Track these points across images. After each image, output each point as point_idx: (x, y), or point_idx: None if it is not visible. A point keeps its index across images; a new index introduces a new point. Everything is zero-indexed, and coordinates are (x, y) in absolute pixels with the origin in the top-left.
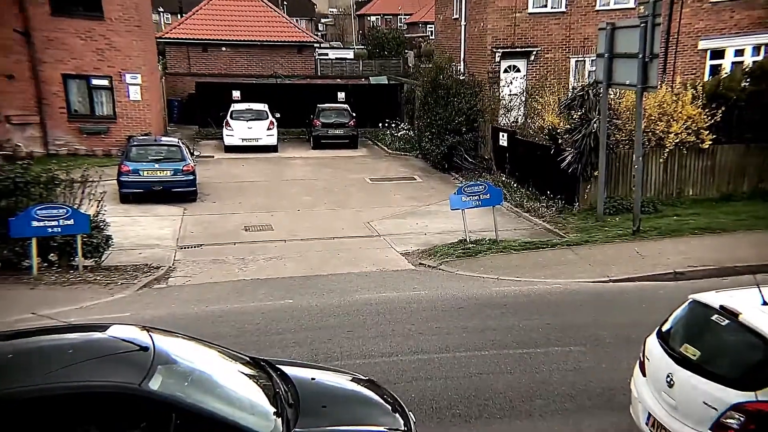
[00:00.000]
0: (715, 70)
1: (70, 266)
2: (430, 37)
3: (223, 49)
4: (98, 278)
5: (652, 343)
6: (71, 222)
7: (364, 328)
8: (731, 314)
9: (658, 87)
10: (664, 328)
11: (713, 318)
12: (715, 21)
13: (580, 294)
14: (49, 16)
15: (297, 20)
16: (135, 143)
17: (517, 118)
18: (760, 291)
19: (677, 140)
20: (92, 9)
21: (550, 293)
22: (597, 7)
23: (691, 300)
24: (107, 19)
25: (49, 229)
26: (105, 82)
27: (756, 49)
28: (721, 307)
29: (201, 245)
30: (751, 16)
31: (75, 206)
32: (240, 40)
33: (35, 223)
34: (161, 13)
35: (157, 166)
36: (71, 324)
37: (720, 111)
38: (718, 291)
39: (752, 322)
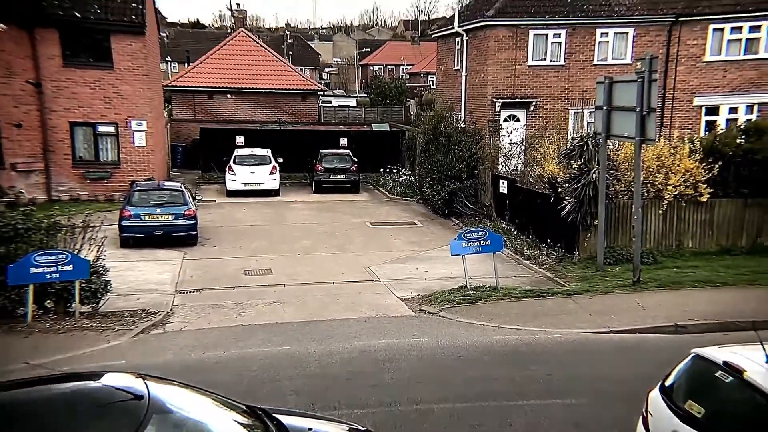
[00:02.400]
0: (711, 125)
1: (67, 313)
2: (432, 87)
3: (229, 96)
4: (95, 325)
5: (655, 398)
6: (70, 268)
7: (363, 376)
8: (735, 371)
9: (656, 140)
10: (667, 382)
11: (717, 374)
12: (708, 79)
13: (580, 345)
14: (61, 67)
15: (302, 69)
16: (138, 188)
17: (517, 166)
18: (764, 348)
19: (676, 192)
20: (102, 59)
21: (551, 343)
22: (595, 62)
23: (694, 354)
24: (116, 68)
25: (48, 276)
26: (111, 129)
27: (749, 107)
28: (725, 363)
29: (200, 290)
30: (743, 76)
31: (75, 252)
32: (245, 88)
33: (34, 270)
34: (169, 63)
35: (159, 210)
36: (65, 373)
37: (717, 166)
38: (721, 346)
39: (757, 380)
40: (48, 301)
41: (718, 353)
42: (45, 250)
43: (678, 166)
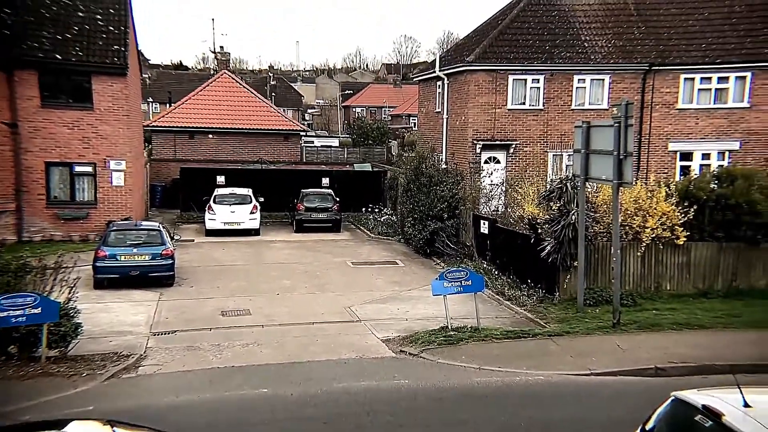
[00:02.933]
0: (685, 170)
1: (32, 358)
2: (413, 128)
3: (210, 136)
4: (62, 369)
5: None
6: (39, 311)
7: (342, 419)
8: (714, 415)
9: (633, 183)
10: (648, 426)
11: (696, 418)
12: (682, 126)
13: (561, 387)
14: (38, 107)
15: (284, 110)
16: (114, 228)
17: (498, 207)
18: (741, 392)
19: (653, 235)
20: (82, 100)
21: (532, 385)
22: (573, 106)
23: (673, 398)
24: (96, 109)
25: (13, 320)
26: (89, 169)
27: (721, 153)
28: (704, 407)
29: (175, 331)
30: (713, 124)
31: (45, 294)
32: (227, 128)
33: None
34: (150, 103)
35: (135, 250)
36: (27, 422)
37: (692, 209)
38: (700, 389)
39: (735, 424)
40: (12, 347)
41: (697, 396)
42: (11, 294)
43: (655, 209)
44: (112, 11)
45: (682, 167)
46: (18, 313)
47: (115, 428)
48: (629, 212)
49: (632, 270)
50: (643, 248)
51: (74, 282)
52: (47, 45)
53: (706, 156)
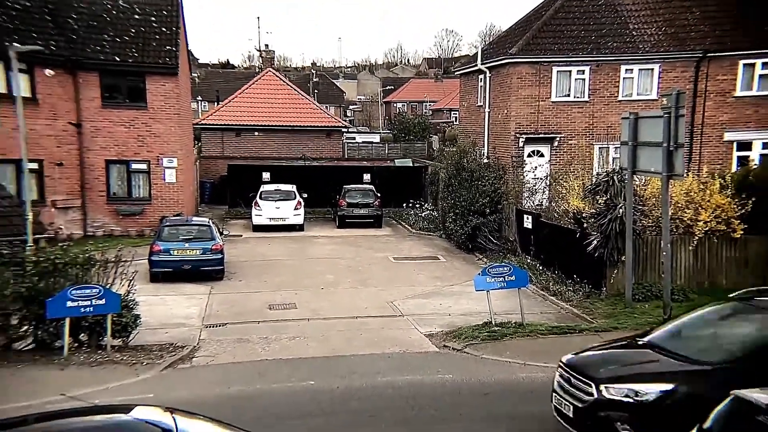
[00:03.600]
0: (743, 160)
1: (99, 346)
2: (455, 123)
3: (256, 133)
4: (125, 358)
5: None
6: (103, 302)
7: (387, 413)
8: None
9: (684, 175)
10: (705, 425)
11: (759, 418)
12: (739, 114)
13: None
14: (99, 108)
15: (327, 106)
16: (167, 224)
17: (542, 202)
18: None
19: (707, 228)
20: (137, 100)
21: None
22: (619, 97)
23: (733, 396)
24: (150, 108)
25: (82, 309)
26: (143, 166)
27: None
28: None
29: (225, 324)
30: None
31: (107, 286)
32: (271, 125)
33: (70, 304)
34: (199, 102)
35: (187, 245)
36: (97, 405)
37: (750, 201)
38: (763, 388)
39: None
40: (82, 335)
41: (759, 395)
42: (80, 285)
43: (708, 201)
44: (164, 12)
45: (739, 158)
46: (86, 303)
47: (174, 415)
48: (680, 205)
49: (684, 264)
50: (695, 242)
51: (133, 275)
52: (107, 48)
53: (767, 145)
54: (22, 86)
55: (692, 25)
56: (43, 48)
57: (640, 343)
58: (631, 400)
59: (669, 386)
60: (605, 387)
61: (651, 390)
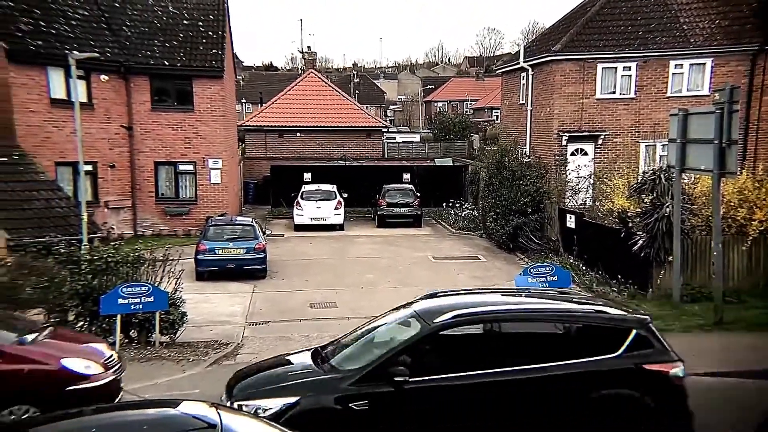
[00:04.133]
0: None
1: (148, 342)
2: (496, 121)
3: (298, 134)
4: (172, 354)
5: None
6: (152, 299)
7: None
8: None
9: (738, 173)
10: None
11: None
12: None
13: None
14: (149, 111)
15: (367, 107)
16: (212, 223)
17: (585, 201)
18: None
19: (762, 228)
20: (185, 103)
21: None
22: (667, 94)
23: None
24: (196, 110)
25: (132, 306)
26: (190, 168)
27: None
28: None
29: (268, 322)
30: None
31: (156, 284)
32: (313, 126)
33: (121, 301)
34: (244, 104)
35: (231, 244)
36: (148, 400)
37: None
38: None
39: None
40: (132, 331)
41: None
42: (131, 283)
43: (764, 200)
44: (211, 17)
45: None
46: (135, 300)
47: (219, 411)
48: (732, 204)
49: (736, 265)
50: (749, 242)
51: (179, 273)
52: (157, 53)
53: None
54: (79, 92)
55: (747, 17)
56: (99, 54)
57: (320, 356)
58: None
59: (293, 399)
60: (239, 404)
61: (275, 405)
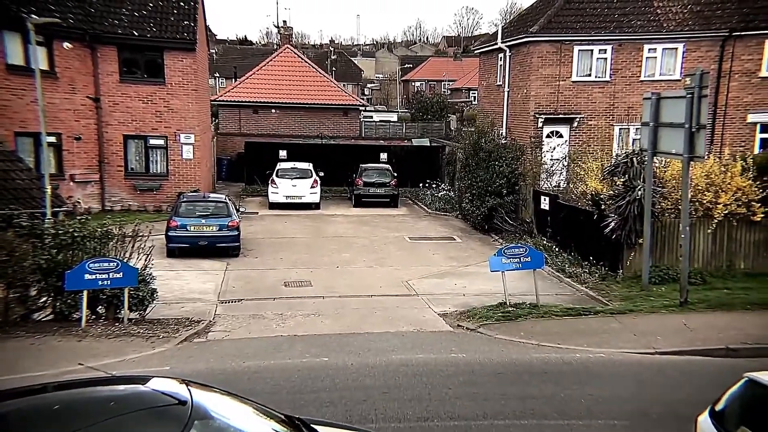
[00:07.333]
0: (766, 143)
1: (116, 319)
2: (473, 102)
3: (273, 111)
4: (142, 331)
5: (705, 423)
6: (120, 275)
7: (400, 390)
8: None
9: (706, 157)
10: (718, 407)
11: None
12: (763, 96)
13: (624, 365)
14: (117, 82)
15: (344, 85)
16: (185, 199)
17: (560, 183)
18: None
19: (726, 211)
20: (155, 75)
21: (593, 363)
22: (641, 78)
23: (746, 379)
24: (168, 83)
25: (100, 282)
26: (161, 142)
27: None
28: None
29: (241, 300)
30: None
31: (125, 260)
32: (289, 103)
33: (88, 276)
34: (217, 78)
35: (203, 221)
36: (115, 376)
37: None
38: None
39: None
40: (100, 307)
41: None
42: (98, 258)
43: (729, 184)
44: None
45: (762, 140)
46: (103, 276)
47: (190, 388)
48: (700, 188)
49: (702, 247)
50: (714, 225)
51: (149, 250)
52: (125, 22)
53: None
54: (40, 59)
55: (718, 3)
56: (61, 21)
57: None
58: None
59: None
60: None
61: None
